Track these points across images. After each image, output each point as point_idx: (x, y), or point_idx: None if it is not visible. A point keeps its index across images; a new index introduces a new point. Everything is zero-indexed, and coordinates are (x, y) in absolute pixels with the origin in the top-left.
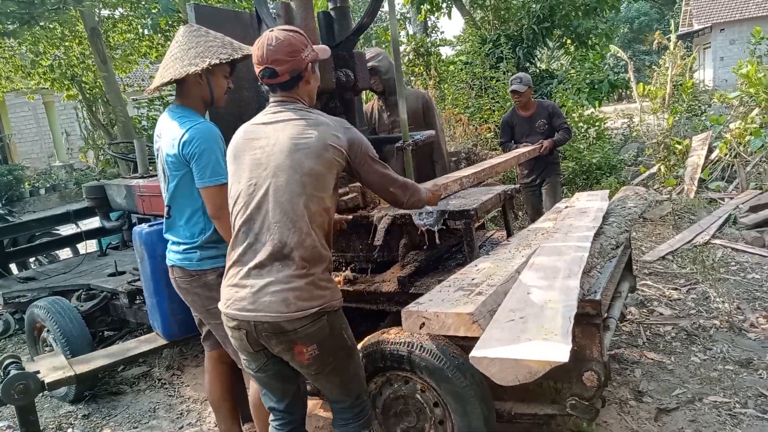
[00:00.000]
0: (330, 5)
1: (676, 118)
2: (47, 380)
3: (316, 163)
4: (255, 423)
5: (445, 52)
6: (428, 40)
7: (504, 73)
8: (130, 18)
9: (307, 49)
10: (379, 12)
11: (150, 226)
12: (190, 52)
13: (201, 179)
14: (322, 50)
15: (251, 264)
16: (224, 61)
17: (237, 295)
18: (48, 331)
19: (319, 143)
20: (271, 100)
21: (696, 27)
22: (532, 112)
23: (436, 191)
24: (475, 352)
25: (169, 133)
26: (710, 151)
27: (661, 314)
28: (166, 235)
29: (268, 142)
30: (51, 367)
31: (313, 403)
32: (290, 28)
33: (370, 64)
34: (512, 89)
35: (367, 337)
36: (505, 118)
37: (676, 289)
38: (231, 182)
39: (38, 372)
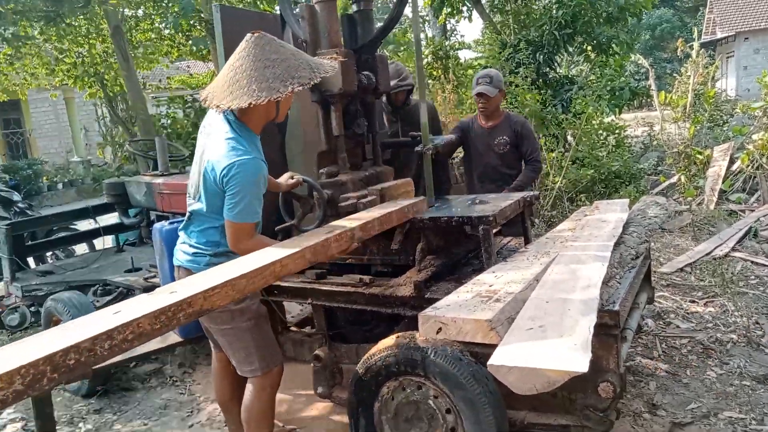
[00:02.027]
0: (353, 8)
1: (698, 128)
2: None
3: None
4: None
5: (464, 55)
6: (447, 43)
7: (523, 79)
8: (152, 17)
9: None
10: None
11: (170, 223)
12: (267, 73)
13: (229, 212)
14: None
15: None
16: (305, 87)
17: None
18: None
19: None
20: None
21: (719, 35)
22: (495, 123)
23: None
24: (494, 360)
25: (218, 148)
26: (732, 162)
27: (678, 327)
28: (180, 233)
29: None
30: None
31: (323, 406)
32: None
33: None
34: (479, 91)
35: (382, 340)
36: (463, 121)
37: (693, 301)
38: None
39: None
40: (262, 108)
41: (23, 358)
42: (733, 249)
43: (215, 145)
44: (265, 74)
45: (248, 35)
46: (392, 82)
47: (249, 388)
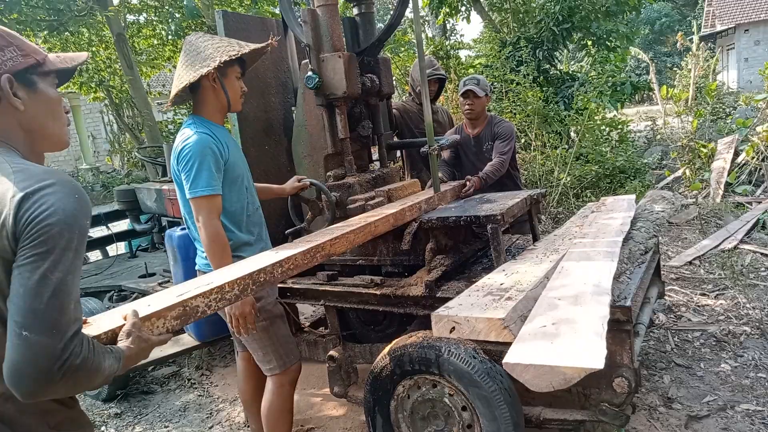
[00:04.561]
0: (355, 11)
1: (701, 121)
2: None
3: None
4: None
5: (464, 54)
6: (447, 43)
7: (524, 76)
8: (154, 23)
9: (1, 55)
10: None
11: (182, 229)
12: (200, 57)
13: (189, 191)
14: (64, 58)
15: None
16: (233, 57)
17: None
18: None
19: None
20: None
21: (719, 28)
22: (479, 130)
23: (133, 349)
24: (509, 358)
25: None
26: (736, 154)
27: (690, 320)
28: (195, 242)
29: None
30: None
31: (339, 406)
32: None
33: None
34: (466, 89)
35: (395, 340)
36: (449, 133)
37: (704, 294)
38: None
39: None
40: (210, 95)
41: (235, 275)
42: (742, 241)
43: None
44: (198, 58)
45: (186, 37)
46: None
47: (268, 385)
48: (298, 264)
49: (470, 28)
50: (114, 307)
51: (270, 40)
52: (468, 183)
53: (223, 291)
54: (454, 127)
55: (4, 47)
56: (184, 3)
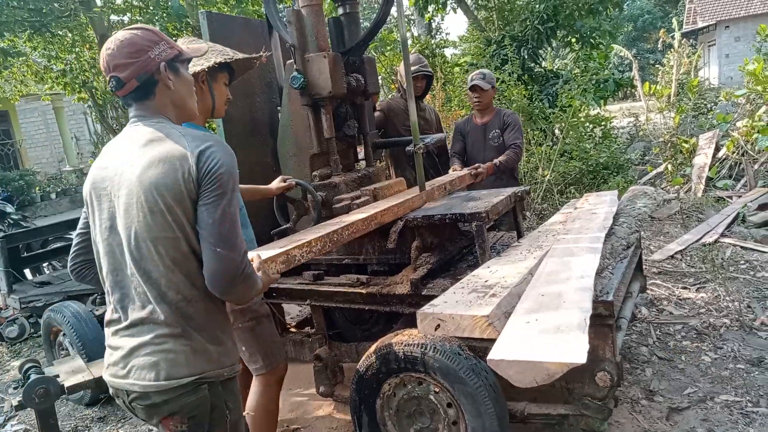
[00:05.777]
0: (340, 11)
1: (683, 117)
2: (67, 384)
3: (169, 196)
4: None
5: (450, 53)
6: (433, 41)
7: (509, 75)
8: (139, 23)
9: (157, 47)
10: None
11: None
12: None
13: None
14: (193, 49)
15: (124, 323)
16: (227, 61)
17: (110, 358)
18: (64, 335)
19: (166, 169)
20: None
21: (700, 24)
22: (487, 119)
23: (264, 280)
24: (493, 355)
25: None
26: (717, 149)
27: (671, 313)
28: None
29: (116, 172)
30: (70, 370)
31: (325, 405)
32: (138, 26)
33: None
34: (473, 84)
35: (381, 338)
36: (458, 123)
37: (685, 288)
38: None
39: (58, 376)
40: (195, 96)
41: (317, 234)
42: (722, 235)
43: None
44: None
45: (179, 40)
46: (413, 68)
47: (254, 385)
48: (358, 229)
49: (455, 26)
50: (97, 309)
51: (261, 54)
52: (480, 167)
53: (311, 245)
54: (464, 118)
55: (158, 42)
56: (170, 3)
